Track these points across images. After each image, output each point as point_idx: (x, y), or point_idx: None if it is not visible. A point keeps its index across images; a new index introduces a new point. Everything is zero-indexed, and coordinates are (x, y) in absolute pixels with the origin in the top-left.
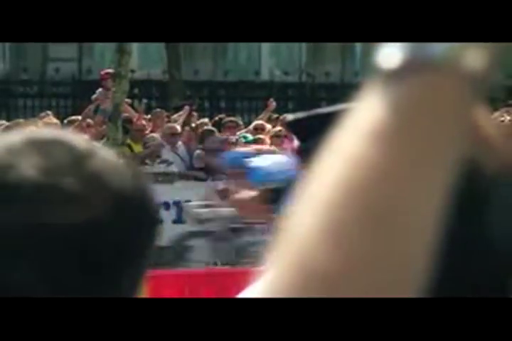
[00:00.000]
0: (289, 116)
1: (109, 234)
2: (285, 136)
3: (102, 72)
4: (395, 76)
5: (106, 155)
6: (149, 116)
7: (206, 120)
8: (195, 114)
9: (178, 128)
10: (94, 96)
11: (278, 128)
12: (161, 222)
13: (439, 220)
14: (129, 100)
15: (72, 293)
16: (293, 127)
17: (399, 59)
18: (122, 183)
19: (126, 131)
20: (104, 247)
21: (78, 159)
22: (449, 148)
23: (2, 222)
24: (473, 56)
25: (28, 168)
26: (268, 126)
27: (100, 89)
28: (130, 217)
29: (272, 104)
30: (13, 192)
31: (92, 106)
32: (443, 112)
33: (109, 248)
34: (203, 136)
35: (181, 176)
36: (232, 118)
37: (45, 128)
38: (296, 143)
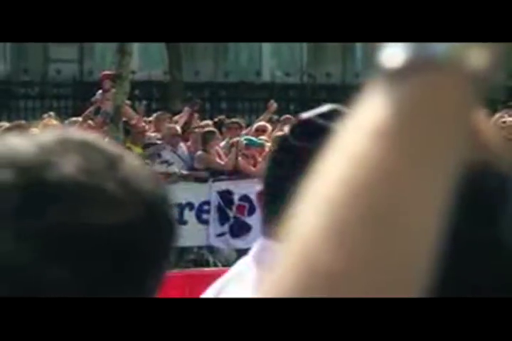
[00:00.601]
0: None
1: (139, 235)
2: None
3: (103, 73)
4: (397, 75)
5: (132, 158)
6: (150, 118)
7: (209, 122)
8: (196, 115)
9: (178, 128)
10: (94, 98)
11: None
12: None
13: (442, 220)
14: (128, 102)
15: (102, 293)
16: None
17: (401, 58)
18: (149, 186)
19: (127, 133)
20: (135, 249)
21: (111, 162)
22: (452, 148)
23: (43, 220)
24: (476, 55)
25: (69, 167)
26: (269, 128)
27: (100, 91)
28: (156, 219)
29: (273, 105)
30: (54, 192)
31: (92, 108)
32: (445, 112)
33: (139, 249)
34: (205, 138)
35: (182, 177)
36: (234, 120)
37: (51, 129)
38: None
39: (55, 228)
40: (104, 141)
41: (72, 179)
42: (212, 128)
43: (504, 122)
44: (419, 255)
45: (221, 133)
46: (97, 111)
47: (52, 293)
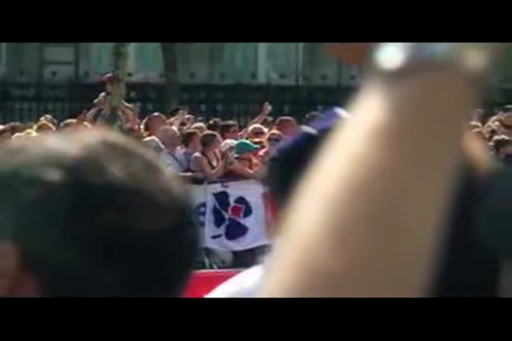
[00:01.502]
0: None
1: (179, 241)
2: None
3: (105, 76)
4: (396, 76)
5: (164, 165)
6: (144, 120)
7: (202, 124)
8: (191, 116)
9: (176, 130)
10: (96, 101)
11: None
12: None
13: (441, 219)
14: (129, 105)
15: (143, 294)
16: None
17: (399, 59)
18: (183, 193)
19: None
20: (175, 254)
21: (151, 168)
22: (451, 147)
23: (93, 224)
24: (474, 56)
25: (118, 171)
26: (265, 130)
27: (103, 94)
28: (189, 225)
29: (268, 107)
30: (106, 195)
31: (93, 111)
32: (444, 111)
33: (178, 255)
34: (205, 141)
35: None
36: (230, 122)
37: (88, 130)
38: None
39: (103, 231)
40: (140, 146)
41: (122, 183)
42: (212, 132)
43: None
44: (420, 254)
45: (223, 136)
46: (97, 115)
47: (101, 295)
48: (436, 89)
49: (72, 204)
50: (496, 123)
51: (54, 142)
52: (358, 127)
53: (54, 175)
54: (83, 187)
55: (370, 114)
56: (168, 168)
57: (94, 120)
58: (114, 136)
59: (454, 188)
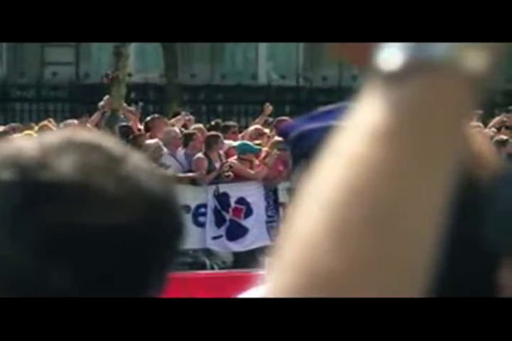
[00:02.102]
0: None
1: (141, 235)
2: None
3: (107, 77)
4: (395, 77)
5: (137, 159)
6: (145, 121)
7: (200, 125)
8: (192, 117)
9: (178, 131)
10: (100, 104)
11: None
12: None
13: (442, 220)
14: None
15: (104, 294)
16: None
17: (399, 61)
18: (153, 187)
19: (123, 136)
20: (137, 249)
21: (113, 161)
22: (451, 149)
23: (39, 221)
24: (474, 56)
25: (66, 167)
26: (267, 131)
27: (107, 96)
28: (161, 220)
29: (269, 108)
30: (50, 191)
31: (98, 114)
32: (444, 113)
33: (141, 249)
34: (208, 142)
35: (178, 180)
36: (231, 123)
37: (58, 130)
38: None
39: (51, 228)
40: (109, 141)
41: (69, 178)
42: (216, 133)
43: (501, 127)
44: (420, 255)
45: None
46: (102, 117)
47: (53, 293)
48: (436, 91)
49: (19, 202)
50: (499, 124)
51: (19, 143)
52: (358, 128)
53: (6, 175)
54: (30, 184)
55: (369, 115)
56: (141, 162)
57: (99, 123)
58: (77, 133)
59: (455, 188)
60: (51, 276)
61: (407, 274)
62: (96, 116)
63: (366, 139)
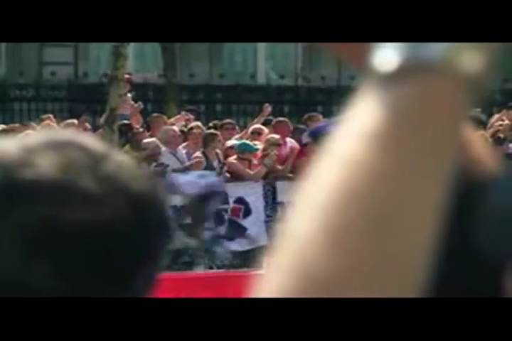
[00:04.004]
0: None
1: (123, 234)
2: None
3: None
4: (391, 78)
5: (120, 158)
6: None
7: (199, 123)
8: (192, 116)
9: (177, 130)
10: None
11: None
12: (172, 224)
13: (439, 222)
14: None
15: (87, 293)
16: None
17: (395, 62)
18: (136, 186)
19: (122, 135)
20: (118, 247)
21: (95, 160)
22: (447, 150)
23: (19, 220)
24: (470, 57)
25: (45, 166)
26: (266, 130)
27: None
28: (144, 219)
29: (268, 108)
30: (29, 190)
31: (108, 113)
32: (440, 114)
33: (123, 248)
34: (206, 140)
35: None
36: (228, 120)
37: (41, 131)
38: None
39: (32, 227)
40: (91, 140)
41: (48, 177)
42: (213, 131)
43: (501, 124)
44: (416, 258)
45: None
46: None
47: (36, 291)
48: (433, 91)
49: (0, 201)
50: (499, 122)
51: (2, 144)
52: (354, 129)
53: None
54: (10, 183)
55: (365, 116)
56: (125, 161)
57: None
58: (59, 133)
59: (452, 190)
60: (33, 275)
61: (403, 277)
62: (105, 116)
63: (362, 140)
